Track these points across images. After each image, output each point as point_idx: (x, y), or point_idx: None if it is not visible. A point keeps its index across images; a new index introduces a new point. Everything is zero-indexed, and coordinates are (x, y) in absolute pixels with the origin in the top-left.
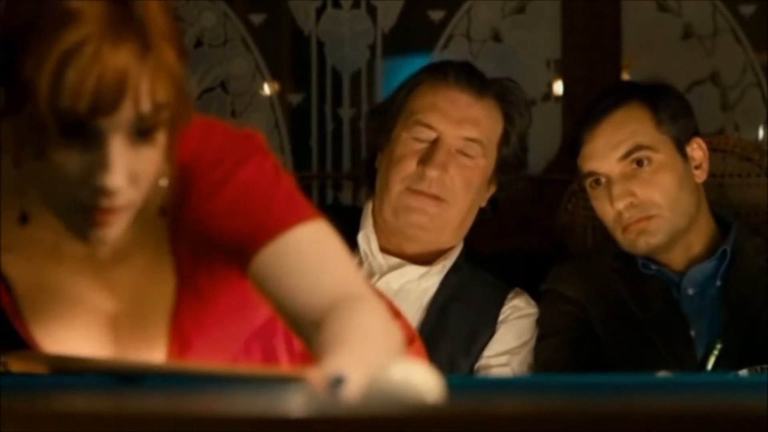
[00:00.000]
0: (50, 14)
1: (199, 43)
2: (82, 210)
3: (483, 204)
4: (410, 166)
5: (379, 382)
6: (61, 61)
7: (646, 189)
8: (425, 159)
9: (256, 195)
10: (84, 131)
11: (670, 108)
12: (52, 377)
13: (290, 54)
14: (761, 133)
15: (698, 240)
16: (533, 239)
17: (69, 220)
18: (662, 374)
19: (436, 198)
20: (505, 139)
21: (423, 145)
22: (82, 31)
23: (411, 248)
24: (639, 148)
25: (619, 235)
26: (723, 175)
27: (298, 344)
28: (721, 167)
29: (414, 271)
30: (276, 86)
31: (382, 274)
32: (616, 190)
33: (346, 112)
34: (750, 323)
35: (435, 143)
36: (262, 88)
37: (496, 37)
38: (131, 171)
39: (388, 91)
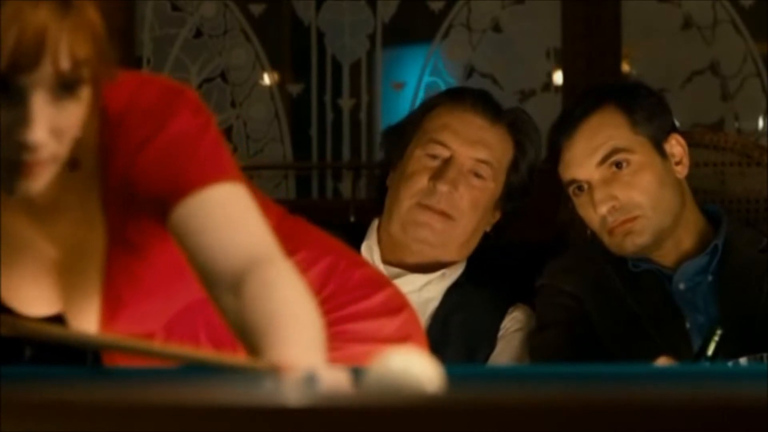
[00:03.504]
0: None
1: (199, 33)
2: (7, 164)
3: (488, 229)
4: (422, 181)
5: (378, 372)
6: None
7: (626, 191)
8: (437, 175)
9: (179, 150)
10: (5, 88)
11: (644, 108)
12: (19, 368)
13: (290, 44)
14: (761, 123)
15: (687, 235)
16: (533, 229)
17: None
18: (662, 360)
19: (444, 214)
20: (514, 167)
21: (436, 163)
22: None
23: (413, 260)
24: (616, 151)
25: (606, 238)
26: (723, 164)
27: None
28: (720, 164)
29: (415, 280)
30: (276, 76)
31: None
32: (598, 195)
33: (345, 102)
34: (746, 315)
35: (447, 161)
36: (262, 78)
37: (496, 27)
38: (54, 126)
39: (388, 81)
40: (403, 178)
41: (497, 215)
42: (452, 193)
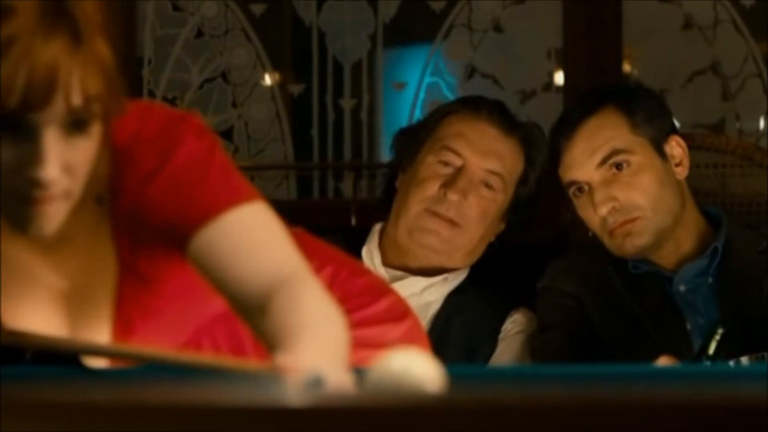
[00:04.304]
0: None
1: (200, 33)
2: (19, 201)
3: (492, 239)
4: (432, 188)
5: (379, 372)
6: None
7: (626, 192)
8: (448, 183)
9: (189, 179)
10: (16, 125)
11: (644, 109)
12: (19, 368)
13: (291, 44)
14: (762, 123)
15: (687, 237)
16: (535, 231)
17: (7, 213)
18: (663, 360)
19: (452, 222)
20: (524, 180)
21: (448, 170)
22: (14, 26)
23: (416, 264)
24: (616, 152)
25: (606, 240)
26: (724, 166)
27: None
28: (721, 165)
29: (417, 283)
30: (277, 76)
31: None
32: (598, 196)
33: (347, 103)
34: (746, 316)
35: (460, 170)
36: (263, 78)
37: (497, 27)
38: (66, 162)
39: (389, 81)
40: (413, 183)
41: (502, 226)
42: (462, 203)
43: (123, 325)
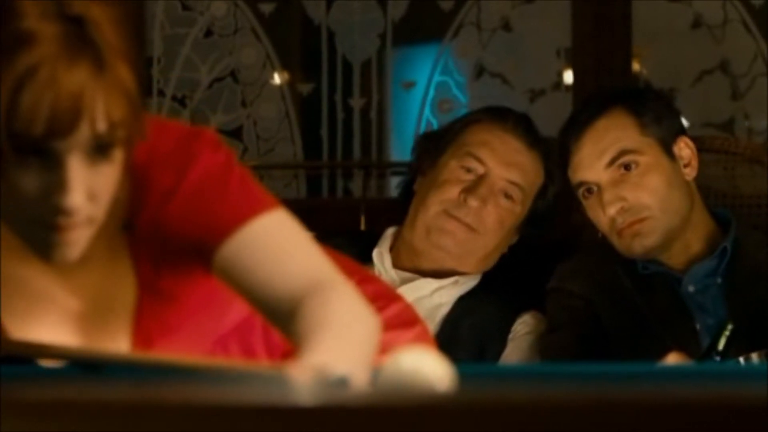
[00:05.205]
0: (4, 37)
1: (209, 33)
2: (42, 228)
3: (504, 250)
4: (453, 192)
5: (389, 371)
6: (16, 85)
7: (635, 192)
8: (469, 189)
9: (209, 193)
10: (41, 152)
11: (652, 110)
12: (17, 368)
13: (300, 43)
14: None
15: (696, 238)
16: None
17: (30, 240)
18: (673, 356)
19: (469, 227)
20: (542, 193)
21: (469, 177)
22: (37, 54)
23: (429, 266)
24: (624, 152)
25: (615, 240)
26: (734, 167)
27: (276, 339)
28: (731, 166)
29: (427, 285)
30: (286, 76)
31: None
32: (607, 196)
33: (356, 102)
34: (755, 316)
35: (481, 177)
36: (272, 77)
37: (506, 26)
38: (89, 188)
39: (398, 81)
40: (434, 186)
41: (515, 238)
42: (481, 210)
43: (142, 342)
